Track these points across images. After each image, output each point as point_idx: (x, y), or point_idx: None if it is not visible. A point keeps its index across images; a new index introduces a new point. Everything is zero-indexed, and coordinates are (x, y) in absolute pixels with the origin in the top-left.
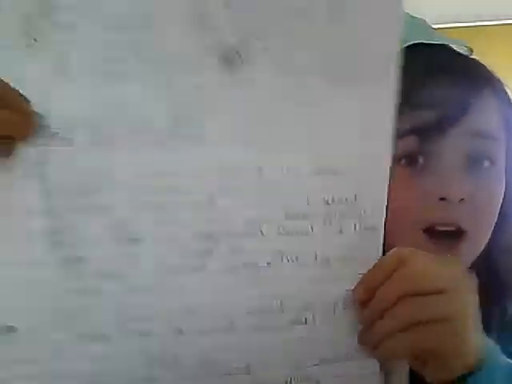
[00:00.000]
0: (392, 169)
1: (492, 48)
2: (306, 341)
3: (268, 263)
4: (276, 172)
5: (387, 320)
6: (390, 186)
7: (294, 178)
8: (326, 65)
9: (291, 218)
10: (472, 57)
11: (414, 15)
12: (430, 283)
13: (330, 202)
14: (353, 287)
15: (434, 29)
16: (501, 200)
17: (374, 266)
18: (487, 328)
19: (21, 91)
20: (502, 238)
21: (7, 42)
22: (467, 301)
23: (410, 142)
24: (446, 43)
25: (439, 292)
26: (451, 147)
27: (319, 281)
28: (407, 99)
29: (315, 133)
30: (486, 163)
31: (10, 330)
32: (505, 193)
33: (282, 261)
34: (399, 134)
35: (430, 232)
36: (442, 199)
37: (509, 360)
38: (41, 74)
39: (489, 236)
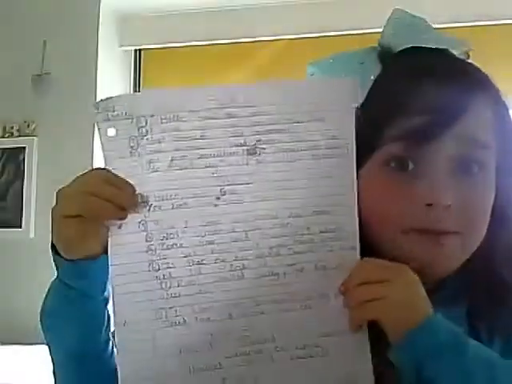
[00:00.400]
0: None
1: (492, 48)
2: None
3: (284, 273)
4: (286, 216)
5: (348, 298)
6: (377, 189)
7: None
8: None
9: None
10: (468, 61)
11: (415, 14)
12: (378, 275)
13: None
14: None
15: (435, 29)
16: (491, 204)
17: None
18: (494, 329)
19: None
20: (501, 241)
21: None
22: (405, 286)
23: (400, 147)
24: (442, 47)
25: (384, 281)
26: (440, 153)
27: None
28: (398, 104)
29: (303, 191)
30: (475, 169)
31: None
32: (498, 197)
33: (292, 271)
34: (391, 138)
35: (415, 233)
36: (429, 205)
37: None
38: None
39: (481, 238)
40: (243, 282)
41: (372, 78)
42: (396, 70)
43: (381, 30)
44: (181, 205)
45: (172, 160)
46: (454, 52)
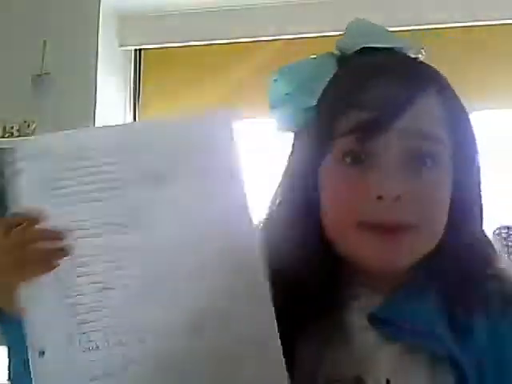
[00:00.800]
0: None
1: (492, 48)
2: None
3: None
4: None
5: None
6: (332, 183)
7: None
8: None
9: None
10: (419, 60)
11: (374, 23)
12: None
13: None
14: None
15: (391, 32)
16: (447, 197)
17: None
18: (471, 310)
19: None
20: (465, 232)
21: None
22: None
23: (352, 141)
24: (393, 46)
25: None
26: (390, 145)
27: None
28: (349, 100)
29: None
30: (428, 162)
31: None
32: (457, 190)
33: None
34: (342, 133)
35: (369, 227)
36: (379, 198)
37: None
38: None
39: (441, 230)
40: (152, 306)
41: (327, 79)
42: (348, 69)
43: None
44: (91, 234)
45: (79, 193)
46: (408, 53)
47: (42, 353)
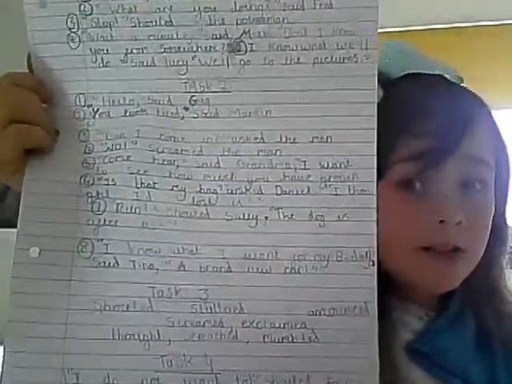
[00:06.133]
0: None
1: (492, 48)
2: (299, 290)
3: (265, 217)
4: (275, 140)
5: None
6: (387, 209)
7: (291, 146)
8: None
9: (289, 180)
10: (462, 85)
11: (409, 45)
12: None
13: (325, 166)
14: (345, 245)
15: (427, 57)
16: (491, 220)
17: None
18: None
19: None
20: (497, 255)
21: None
22: None
23: (408, 168)
24: (439, 73)
25: None
26: (446, 173)
27: (311, 237)
28: (405, 128)
29: (308, 106)
30: (478, 186)
31: None
32: (494, 212)
33: (279, 217)
34: (397, 160)
35: (427, 252)
36: (441, 222)
37: None
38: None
39: (483, 252)
40: (207, 222)
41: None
42: (398, 95)
43: (380, 30)
44: (137, 112)
45: (127, 53)
46: (448, 77)
47: (41, 252)
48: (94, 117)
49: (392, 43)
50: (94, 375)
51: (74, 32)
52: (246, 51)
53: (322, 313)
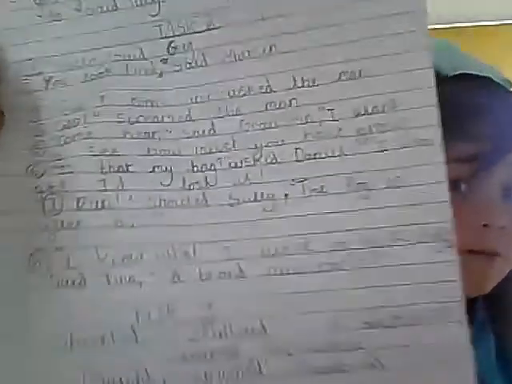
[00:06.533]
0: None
1: (492, 48)
2: (344, 294)
3: (285, 195)
4: (287, 86)
5: None
6: None
7: (311, 91)
8: None
9: (312, 139)
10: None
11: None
12: None
13: (362, 112)
14: (404, 221)
15: (475, 58)
16: None
17: None
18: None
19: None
20: None
21: None
22: None
23: (458, 170)
24: (488, 75)
25: None
26: (495, 176)
27: (353, 215)
28: (457, 128)
29: (330, 31)
30: None
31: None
32: None
33: (303, 192)
34: (448, 160)
35: (469, 254)
36: (485, 225)
37: None
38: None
39: None
40: (204, 210)
41: None
42: (451, 95)
43: None
44: (100, 74)
45: None
46: (495, 79)
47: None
48: (46, 87)
49: (441, 41)
50: None
51: None
52: None
53: (383, 324)
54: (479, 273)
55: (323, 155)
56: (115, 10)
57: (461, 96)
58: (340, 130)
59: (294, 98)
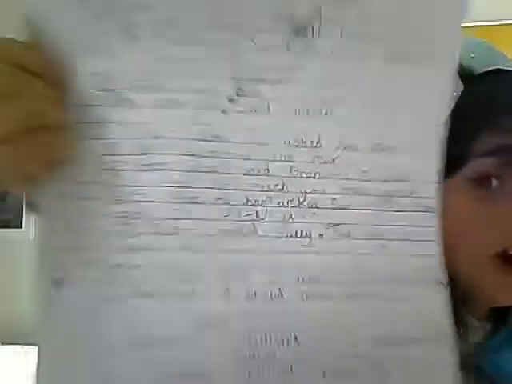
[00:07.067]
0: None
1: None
2: (359, 317)
3: (320, 235)
4: (333, 146)
5: None
6: (460, 207)
7: (351, 154)
8: (388, 41)
9: (347, 193)
10: None
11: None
12: None
13: (386, 179)
14: (407, 265)
15: (505, 54)
16: None
17: None
18: None
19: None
20: None
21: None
22: None
23: (487, 164)
24: None
25: None
26: None
27: (372, 256)
28: (488, 120)
29: (373, 109)
30: None
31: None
32: None
33: (334, 235)
34: (476, 155)
35: (504, 256)
36: None
37: None
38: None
39: None
40: (254, 239)
41: (455, 94)
42: (482, 89)
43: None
44: (169, 101)
45: (164, 25)
46: None
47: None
48: (114, 105)
49: (476, 39)
50: None
51: None
52: (312, 35)
53: (388, 342)
54: None
55: (354, 207)
56: (193, 44)
57: (492, 90)
58: (369, 189)
59: (337, 157)
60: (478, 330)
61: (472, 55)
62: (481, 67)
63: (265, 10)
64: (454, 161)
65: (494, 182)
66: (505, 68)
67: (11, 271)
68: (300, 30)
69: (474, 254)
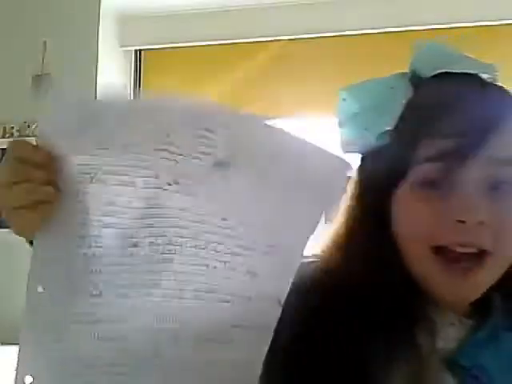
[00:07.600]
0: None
1: (492, 48)
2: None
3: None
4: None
5: None
6: (408, 208)
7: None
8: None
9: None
10: (497, 84)
11: (444, 45)
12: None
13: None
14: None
15: (465, 56)
16: None
17: None
18: None
19: None
20: None
21: None
22: None
23: (431, 168)
24: (471, 71)
25: None
26: (472, 173)
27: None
28: (432, 127)
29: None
30: (505, 187)
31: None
32: None
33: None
34: (422, 160)
35: (445, 255)
36: (461, 222)
37: None
38: None
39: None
40: (171, 265)
41: (403, 101)
42: (428, 95)
43: (381, 30)
44: (127, 183)
45: (126, 145)
46: (484, 76)
47: (42, 291)
48: (90, 181)
49: (425, 43)
50: None
51: (82, 129)
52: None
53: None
54: (455, 283)
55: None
56: (146, 154)
57: (434, 95)
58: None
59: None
60: (460, 327)
61: (419, 60)
62: (428, 72)
63: (196, 148)
64: (399, 169)
65: (440, 185)
66: (451, 71)
67: (11, 271)
68: (219, 164)
69: (419, 252)
